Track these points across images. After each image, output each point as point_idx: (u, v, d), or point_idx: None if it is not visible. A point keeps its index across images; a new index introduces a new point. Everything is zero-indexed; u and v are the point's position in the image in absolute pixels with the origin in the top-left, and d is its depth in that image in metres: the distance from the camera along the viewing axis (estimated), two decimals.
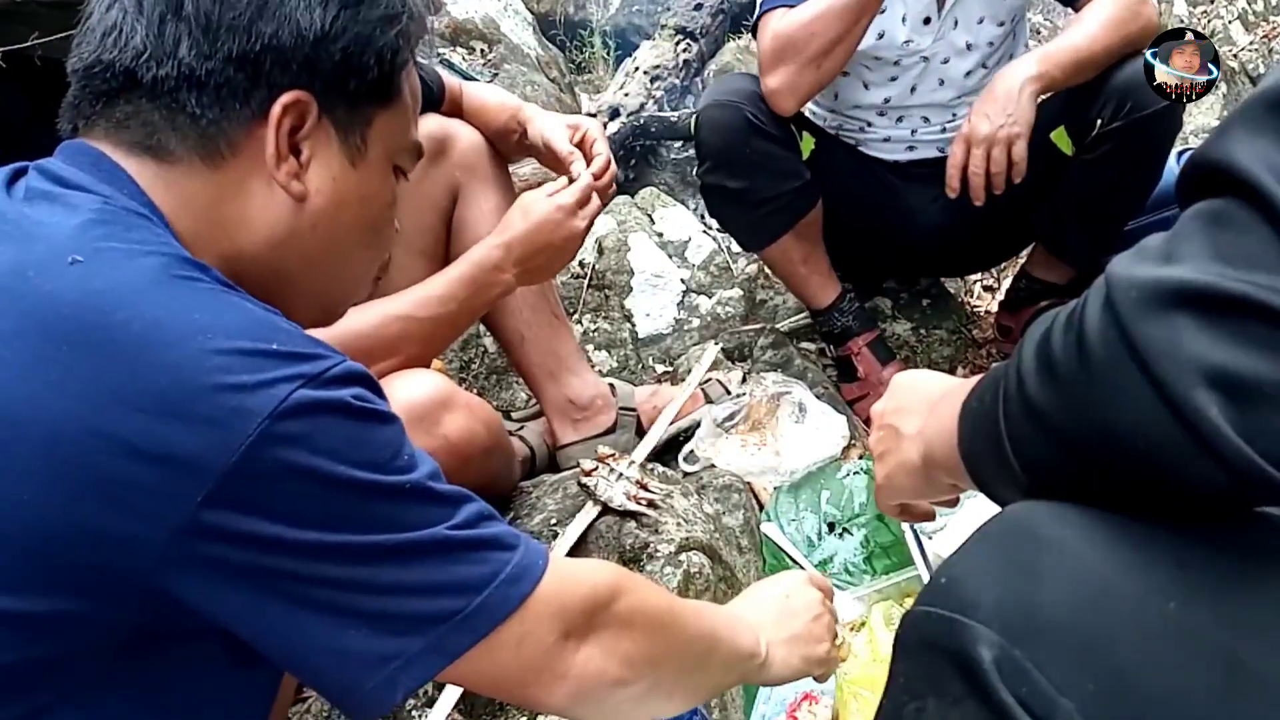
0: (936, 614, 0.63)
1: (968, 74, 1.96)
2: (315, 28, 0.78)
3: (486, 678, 0.77)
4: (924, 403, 0.87)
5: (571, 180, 1.55)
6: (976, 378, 0.75)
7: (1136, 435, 0.57)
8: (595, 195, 1.52)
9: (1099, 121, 1.80)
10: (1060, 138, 1.89)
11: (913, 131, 2.01)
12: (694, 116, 2.00)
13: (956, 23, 1.91)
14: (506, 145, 1.77)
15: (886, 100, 1.97)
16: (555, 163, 1.69)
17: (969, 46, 1.93)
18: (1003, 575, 0.62)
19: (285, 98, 0.78)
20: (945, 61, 1.94)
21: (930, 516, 1.01)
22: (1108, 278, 0.60)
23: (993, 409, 0.68)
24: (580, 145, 1.62)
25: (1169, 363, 0.55)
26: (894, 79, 1.96)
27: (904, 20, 1.90)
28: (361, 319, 1.41)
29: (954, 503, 0.95)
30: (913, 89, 1.96)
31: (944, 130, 2.02)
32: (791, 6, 1.84)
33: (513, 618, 0.75)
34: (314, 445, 0.67)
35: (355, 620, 0.70)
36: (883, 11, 1.87)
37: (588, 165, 1.58)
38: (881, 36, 1.91)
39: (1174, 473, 0.57)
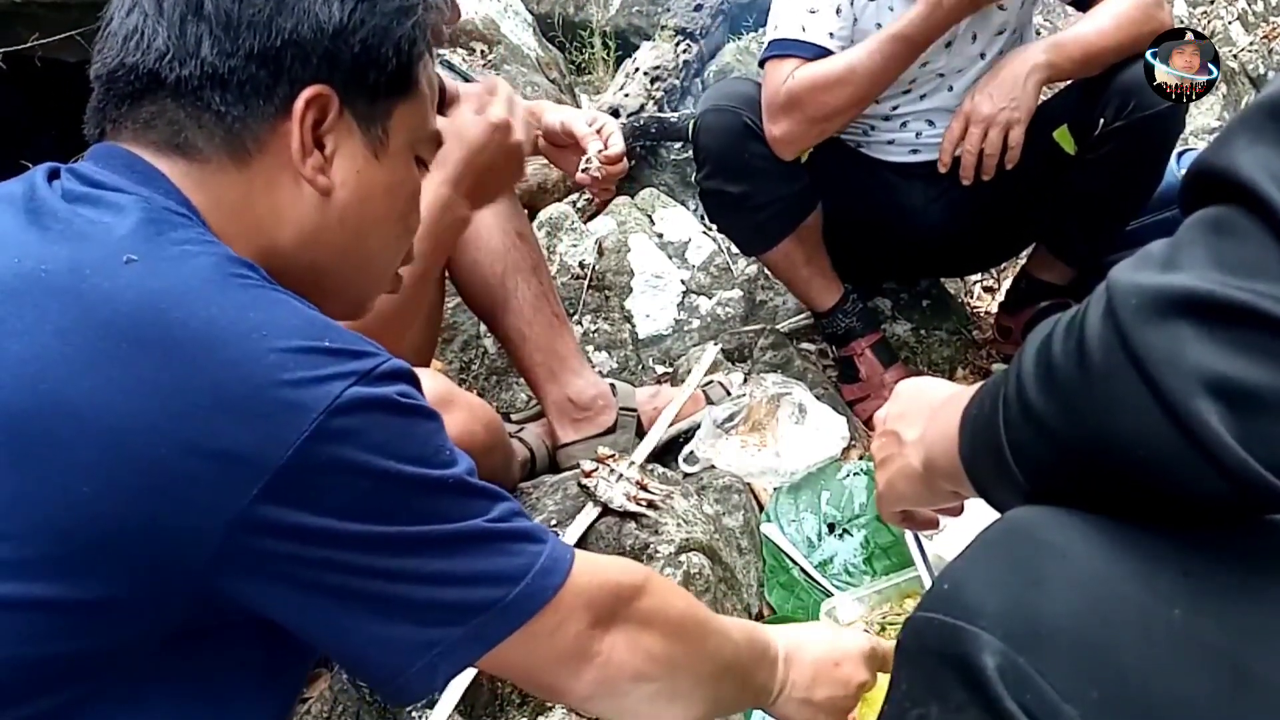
0: (939, 620, 0.63)
1: (977, 79, 1.96)
2: (334, 21, 0.80)
3: (520, 665, 0.80)
4: (926, 409, 0.87)
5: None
6: (979, 384, 0.75)
7: (1136, 442, 0.57)
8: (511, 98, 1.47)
9: (1102, 120, 1.80)
10: (1063, 136, 1.88)
11: (917, 135, 2.00)
12: (693, 121, 1.99)
13: (975, 37, 1.91)
14: None
15: (894, 108, 1.98)
16: (559, 154, 1.69)
17: (983, 56, 1.93)
18: (1006, 582, 0.62)
19: (308, 92, 0.79)
20: (959, 71, 1.94)
21: (933, 524, 1.00)
22: (1109, 285, 0.60)
23: (993, 415, 0.68)
24: (597, 134, 1.64)
25: (1169, 371, 0.55)
26: (906, 92, 1.96)
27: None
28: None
29: (957, 511, 0.95)
30: (922, 96, 1.97)
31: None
32: (804, 58, 1.83)
33: (548, 607, 0.78)
34: (364, 441, 0.69)
35: (402, 609, 0.72)
36: None
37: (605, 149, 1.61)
38: None
39: (1174, 480, 0.57)
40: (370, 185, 0.85)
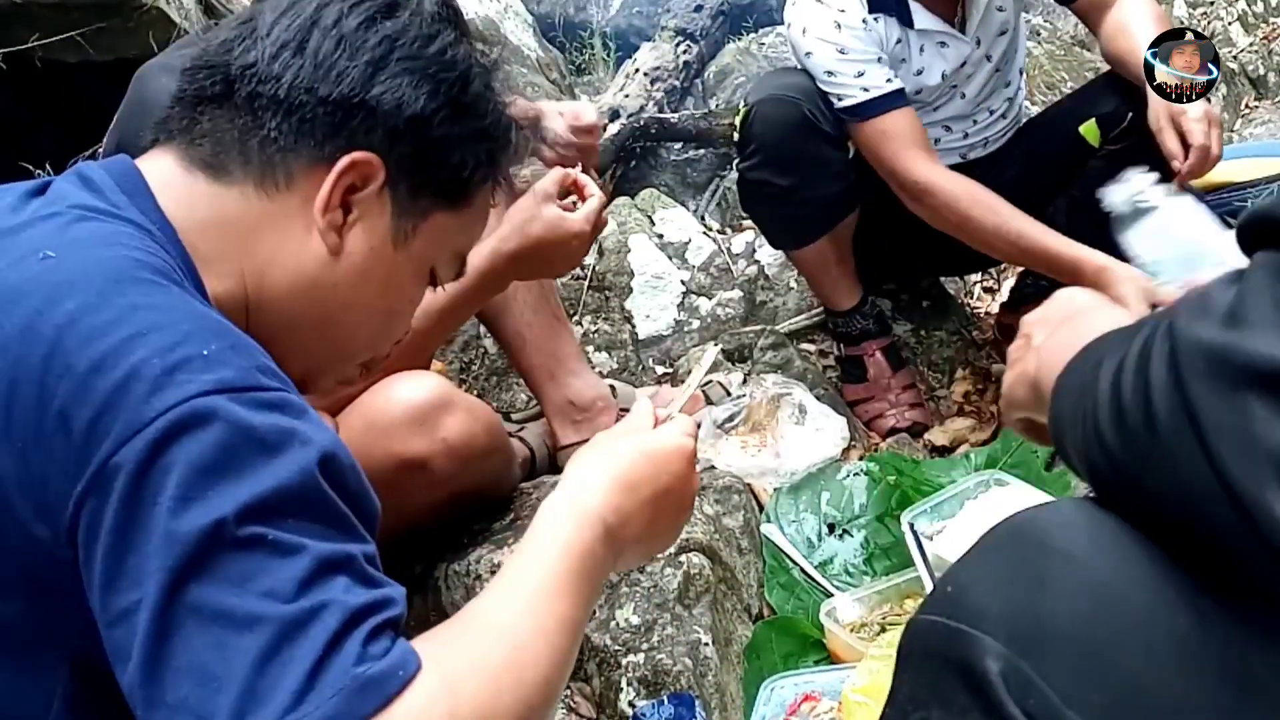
0: (942, 624, 0.63)
1: (985, 82, 1.97)
2: (416, 108, 0.82)
3: None
4: (1063, 318, 0.82)
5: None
6: (1115, 319, 0.72)
7: (1196, 510, 0.55)
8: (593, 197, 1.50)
9: (1130, 115, 1.81)
10: (1089, 130, 1.89)
11: (936, 141, 2.00)
12: (746, 109, 1.94)
13: (979, 42, 1.92)
14: None
15: None
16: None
17: (988, 58, 1.95)
18: (1010, 585, 0.62)
19: (358, 154, 0.81)
20: (969, 78, 1.96)
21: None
22: (1174, 332, 0.57)
23: (1075, 413, 0.66)
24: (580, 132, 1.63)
25: (1238, 453, 0.52)
26: (922, 106, 1.97)
27: (943, 76, 1.91)
28: None
29: None
30: (937, 108, 1.98)
31: (965, 136, 2.03)
32: (887, 110, 1.81)
33: None
34: (186, 455, 0.61)
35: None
36: (918, 73, 1.88)
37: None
38: (919, 92, 1.92)
39: (1233, 558, 0.55)
40: (376, 268, 0.85)
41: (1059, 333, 0.79)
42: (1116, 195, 1.11)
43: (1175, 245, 1.06)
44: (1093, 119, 1.88)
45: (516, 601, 0.69)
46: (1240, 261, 0.84)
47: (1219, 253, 1.06)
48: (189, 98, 0.83)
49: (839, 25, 1.81)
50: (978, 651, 0.60)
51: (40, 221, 0.73)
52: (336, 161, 0.80)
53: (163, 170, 0.81)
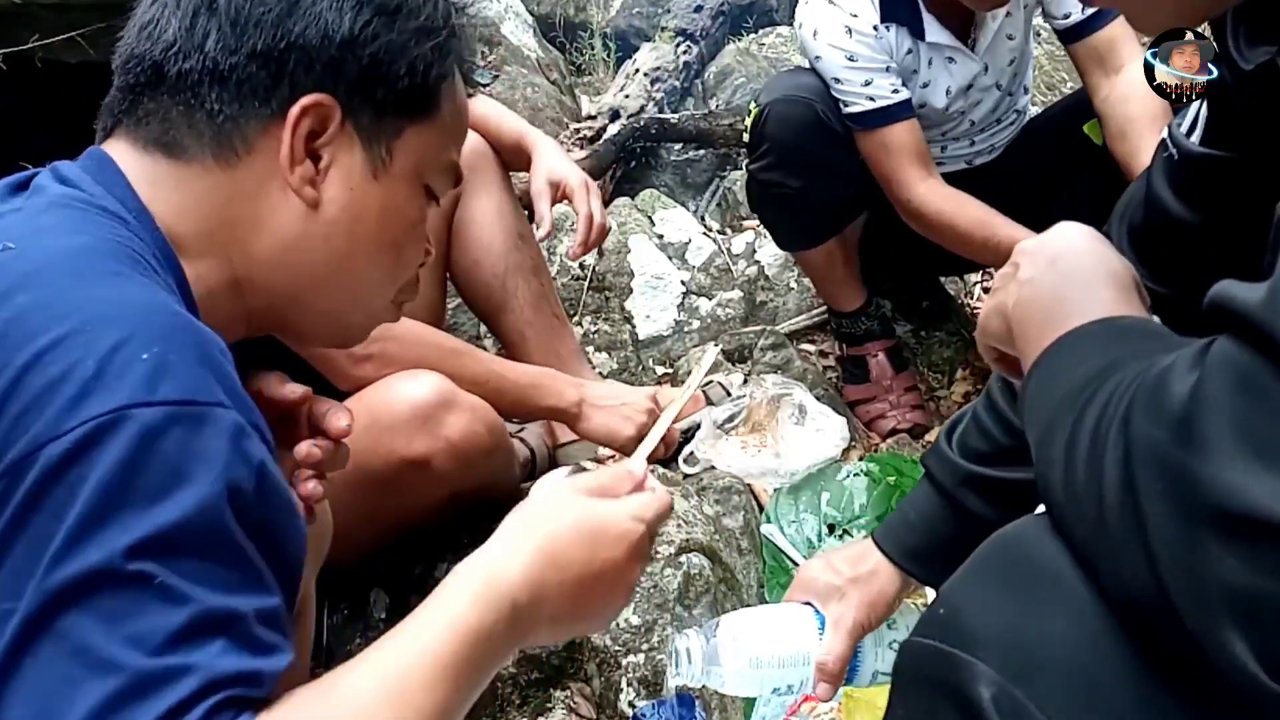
0: (935, 648, 0.63)
1: (994, 108, 1.98)
2: (343, 30, 0.78)
3: None
4: (1054, 255, 0.77)
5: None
6: (1102, 296, 0.71)
7: (1144, 613, 0.54)
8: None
9: None
10: (1093, 129, 1.88)
11: (943, 149, 2.01)
12: (758, 110, 1.92)
13: (987, 68, 1.92)
14: (511, 160, 1.79)
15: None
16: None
17: (998, 86, 1.95)
18: (1001, 608, 0.62)
19: (306, 99, 0.78)
20: (977, 104, 1.96)
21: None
22: (1129, 429, 0.54)
23: (1034, 453, 0.65)
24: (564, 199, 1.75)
25: (1191, 589, 0.50)
26: (928, 126, 1.97)
27: (948, 92, 1.91)
28: (445, 338, 1.56)
29: None
30: (944, 133, 1.98)
31: (972, 144, 2.03)
32: (892, 122, 1.81)
33: None
34: (97, 477, 0.58)
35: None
36: (925, 86, 1.88)
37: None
38: (923, 106, 1.91)
39: (1178, 652, 0.54)
40: (363, 205, 0.81)
41: (1046, 272, 0.75)
42: (682, 680, 1.03)
43: (770, 665, 1.03)
44: (1096, 119, 1.88)
45: (380, 684, 0.62)
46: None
47: (800, 637, 1.04)
48: (120, 92, 0.80)
49: (849, 31, 1.80)
50: (969, 677, 0.59)
51: (13, 212, 0.73)
52: (287, 114, 0.78)
53: (120, 156, 0.79)
